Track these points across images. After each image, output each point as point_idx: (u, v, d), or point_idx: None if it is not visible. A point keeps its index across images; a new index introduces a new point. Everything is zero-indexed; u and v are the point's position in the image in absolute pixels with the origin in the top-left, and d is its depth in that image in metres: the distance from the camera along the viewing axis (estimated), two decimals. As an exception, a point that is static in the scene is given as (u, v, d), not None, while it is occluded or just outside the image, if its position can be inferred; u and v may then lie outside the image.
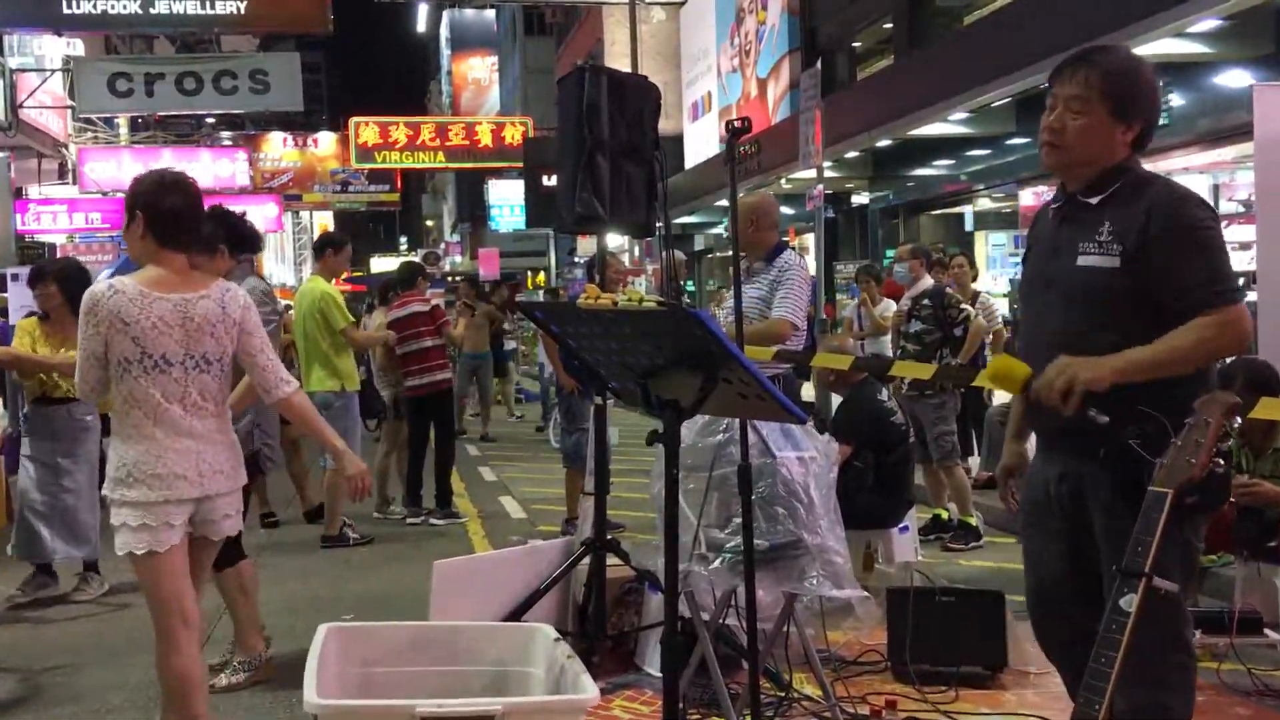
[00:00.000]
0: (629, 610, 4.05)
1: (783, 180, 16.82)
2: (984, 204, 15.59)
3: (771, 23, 19.14)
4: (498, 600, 3.68)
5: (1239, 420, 2.30)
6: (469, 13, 46.62)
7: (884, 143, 14.70)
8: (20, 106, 19.88)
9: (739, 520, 2.87)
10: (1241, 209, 12.48)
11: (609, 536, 3.93)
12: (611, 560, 3.92)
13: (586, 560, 3.88)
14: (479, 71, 49.00)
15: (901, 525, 5.05)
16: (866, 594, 3.21)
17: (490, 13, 45.40)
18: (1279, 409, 3.35)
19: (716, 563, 3.00)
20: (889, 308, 9.35)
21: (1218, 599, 4.76)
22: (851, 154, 15.33)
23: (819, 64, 11.19)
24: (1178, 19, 8.85)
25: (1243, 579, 4.17)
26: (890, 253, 16.84)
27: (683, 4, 23.36)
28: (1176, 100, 10.68)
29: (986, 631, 3.95)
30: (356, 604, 5.45)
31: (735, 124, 2.66)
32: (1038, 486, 2.62)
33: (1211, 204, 2.48)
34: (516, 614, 3.69)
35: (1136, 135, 2.50)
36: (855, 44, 18.45)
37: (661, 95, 3.98)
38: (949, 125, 13.06)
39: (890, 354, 8.54)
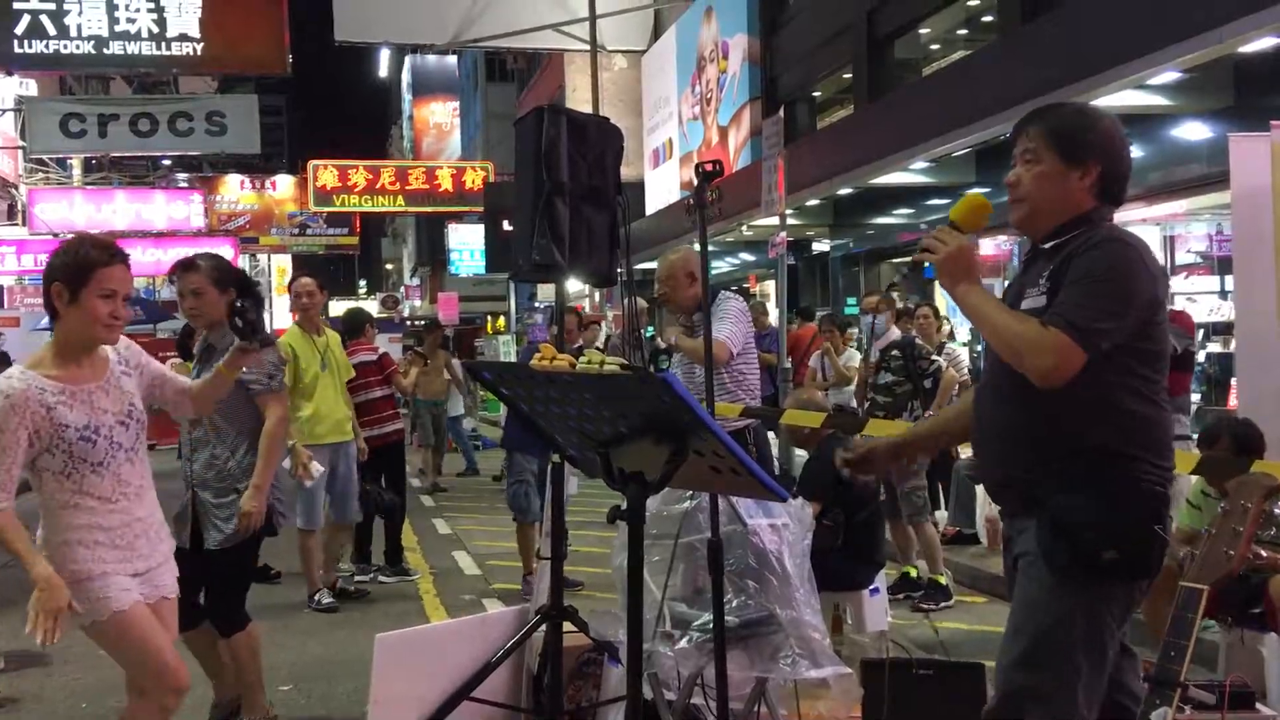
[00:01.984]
0: (587, 683, 3.79)
1: (743, 227, 16.77)
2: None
3: (733, 71, 19.20)
4: (446, 674, 3.41)
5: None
6: (431, 58, 46.65)
7: (845, 191, 14.70)
8: (-32, 146, 19.52)
9: (708, 594, 2.65)
10: (1198, 259, 12.57)
11: (565, 603, 3.67)
12: (569, 628, 3.67)
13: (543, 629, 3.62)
14: (440, 116, 48.99)
15: (872, 587, 4.84)
16: (848, 670, 3.00)
17: (452, 58, 45.46)
18: (1271, 471, 3.21)
19: (683, 641, 2.78)
20: (853, 357, 9.21)
21: (1197, 666, 4.59)
22: (812, 201, 15.31)
23: (781, 111, 11.14)
24: (1137, 71, 8.87)
25: (1226, 646, 4.00)
26: (852, 301, 16.83)
27: (644, 52, 23.44)
28: (1136, 152, 10.72)
29: (967, 705, 3.74)
30: (294, 673, 5.13)
31: (705, 167, 2.48)
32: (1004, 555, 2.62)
33: (1148, 259, 2.42)
34: (466, 690, 3.43)
35: (1097, 181, 2.45)
36: (815, 93, 18.54)
37: (624, 138, 3.80)
38: (909, 174, 13.07)
39: (854, 404, 8.39)
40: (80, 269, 2.95)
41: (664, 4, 22.31)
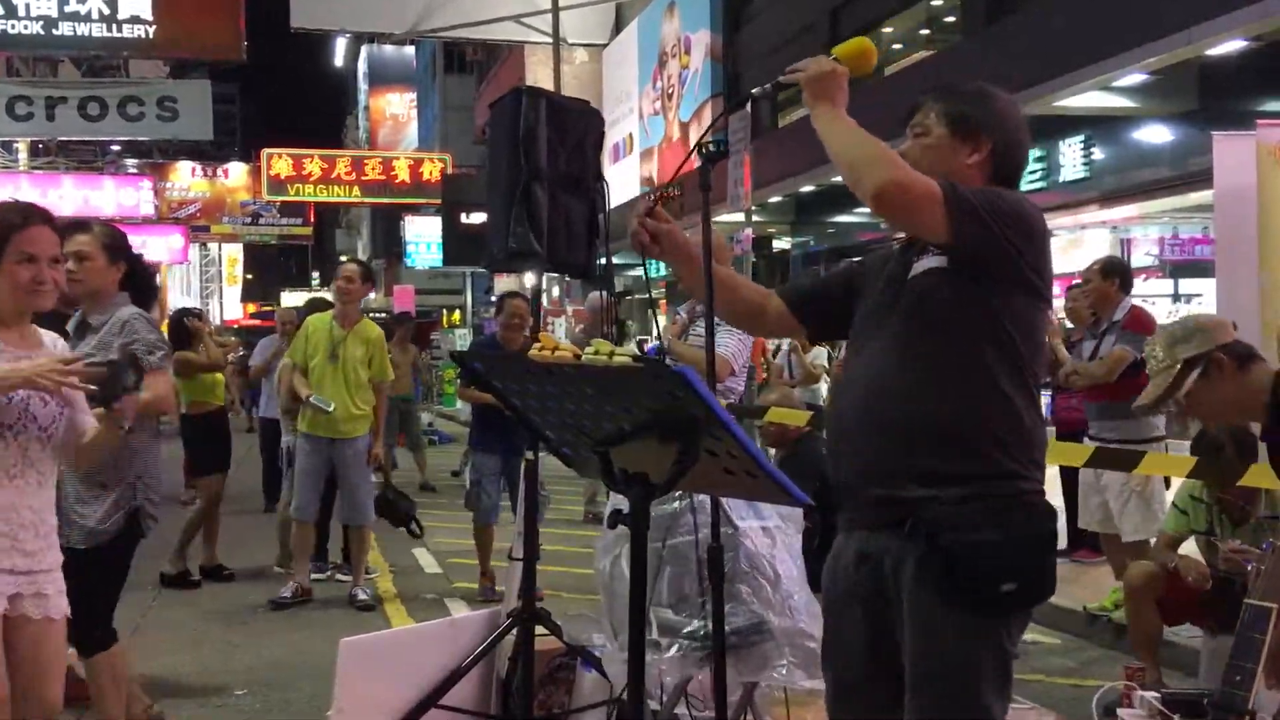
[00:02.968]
0: (559, 689, 3.66)
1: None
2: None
3: (695, 67, 19.10)
4: (413, 681, 3.26)
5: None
6: (388, 48, 46.02)
7: (807, 188, 14.66)
8: (-92, 127, 18.94)
9: (695, 600, 2.53)
10: (1155, 262, 12.68)
11: (537, 603, 3.54)
12: (541, 631, 3.54)
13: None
14: (397, 107, 48.44)
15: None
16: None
17: (410, 49, 44.95)
18: (1270, 477, 3.15)
19: (671, 650, 2.65)
20: (820, 355, 9.15)
21: (1175, 670, 4.55)
22: (774, 199, 15.27)
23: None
24: (1104, 72, 8.89)
25: (1209, 653, 3.96)
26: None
27: (605, 45, 23.28)
28: (1099, 154, 10.79)
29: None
30: (250, 678, 4.94)
31: (709, 147, 2.34)
32: (837, 570, 2.32)
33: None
34: (434, 696, 3.29)
35: (988, 159, 2.29)
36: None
37: (604, 123, 3.67)
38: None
39: (822, 401, 8.32)
40: (7, 229, 2.71)
41: (627, -2, 22.18)
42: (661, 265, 10.80)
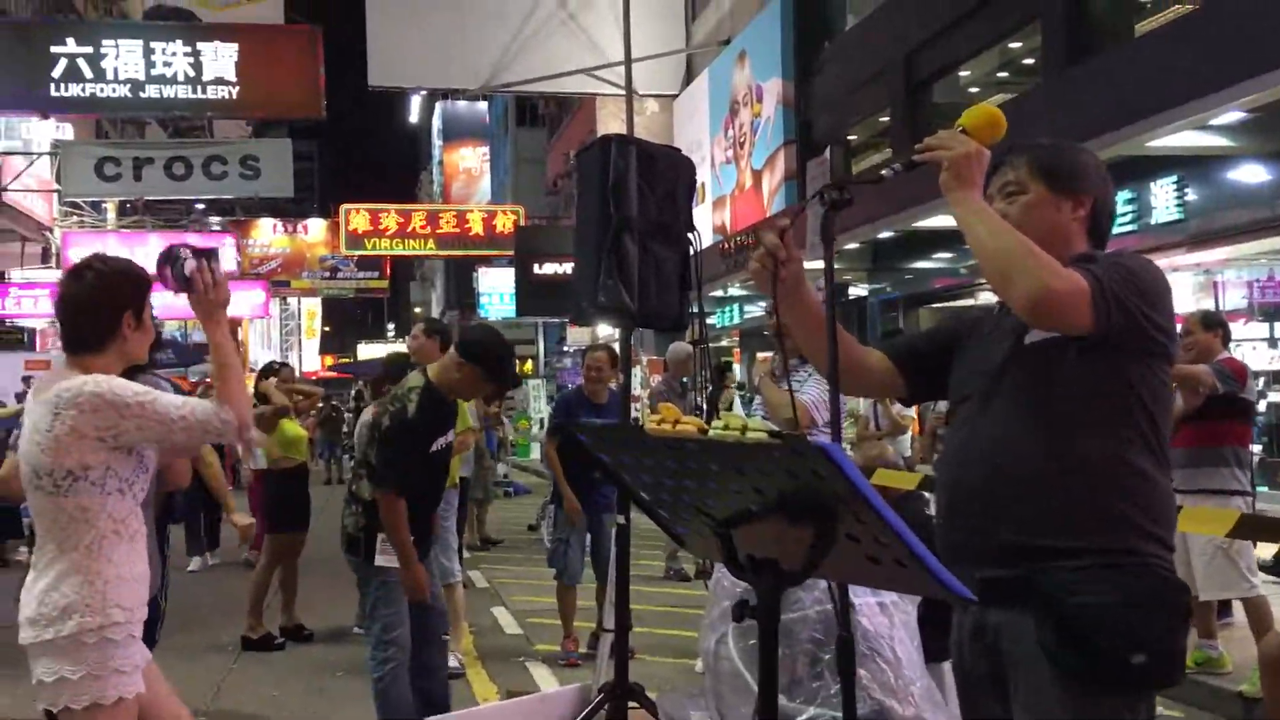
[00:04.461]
0: (653, 767, 3.46)
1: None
2: (986, 298, 15.28)
3: (766, 115, 19.04)
4: (501, 759, 3.09)
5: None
6: (461, 104, 47.00)
7: (884, 235, 14.43)
8: (4, 190, 19.56)
9: (814, 684, 2.33)
10: (1248, 307, 12.18)
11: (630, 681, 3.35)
12: (634, 705, 3.35)
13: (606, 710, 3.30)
14: (470, 161, 49.24)
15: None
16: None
17: (482, 104, 45.78)
18: None
19: (784, 738, 2.45)
20: (904, 406, 8.87)
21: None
22: (850, 245, 15.04)
23: (828, 153, 10.90)
24: (1200, 111, 8.58)
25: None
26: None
27: (676, 96, 23.36)
28: (1191, 195, 10.43)
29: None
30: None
31: (833, 195, 2.18)
32: (960, 648, 2.18)
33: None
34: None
35: (1089, 216, 2.20)
36: (851, 137, 18.33)
37: (695, 169, 3.53)
38: (952, 218, 12.76)
39: (908, 453, 8.04)
40: (143, 292, 2.75)
41: (698, 49, 22.26)
42: (735, 313, 10.64)
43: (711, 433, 1.52)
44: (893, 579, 1.67)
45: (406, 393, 4.09)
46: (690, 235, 3.41)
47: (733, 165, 20.58)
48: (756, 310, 21.35)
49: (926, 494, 4.65)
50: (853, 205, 2.21)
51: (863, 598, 2.52)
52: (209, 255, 2.77)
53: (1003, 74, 15.31)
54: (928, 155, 2.16)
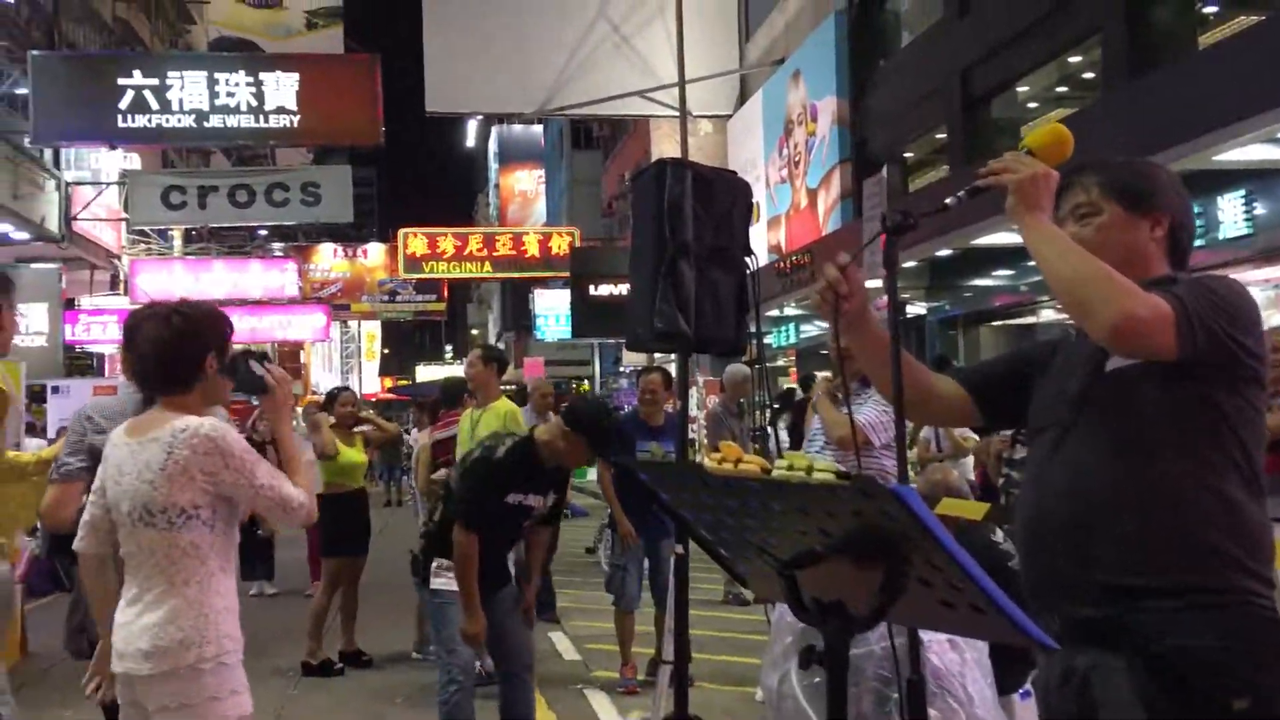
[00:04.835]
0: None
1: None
2: (1048, 315, 15.04)
3: (821, 134, 18.96)
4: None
5: None
6: (517, 127, 47.46)
7: (943, 252, 14.26)
8: (74, 219, 20.07)
9: (878, 721, 2.27)
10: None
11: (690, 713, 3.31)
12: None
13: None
14: (526, 184, 49.66)
15: (1023, 690, 4.37)
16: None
17: (538, 127, 46.17)
18: None
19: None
20: (965, 429, 8.73)
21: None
22: (909, 263, 14.89)
23: (884, 171, 10.81)
24: (1267, 124, 8.38)
25: None
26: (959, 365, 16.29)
27: (730, 116, 23.36)
28: (1261, 209, 10.19)
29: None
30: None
31: (896, 218, 2.14)
32: (1047, 692, 2.08)
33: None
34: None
35: (1168, 236, 2.10)
36: (907, 154, 18.19)
37: (751, 192, 3.51)
38: (1012, 234, 12.60)
39: (971, 477, 7.90)
40: (225, 336, 2.91)
41: (751, 69, 22.27)
42: (791, 333, 10.54)
43: (775, 472, 1.48)
44: (969, 625, 1.59)
45: (505, 438, 4.21)
46: (747, 259, 3.38)
47: (787, 184, 20.52)
48: (813, 330, 21.21)
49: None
50: (915, 229, 2.15)
51: (932, 633, 2.45)
52: (259, 357, 2.96)
53: (1062, 88, 15.10)
54: (991, 180, 2.09)
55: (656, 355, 19.88)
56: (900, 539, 1.43)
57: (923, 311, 17.63)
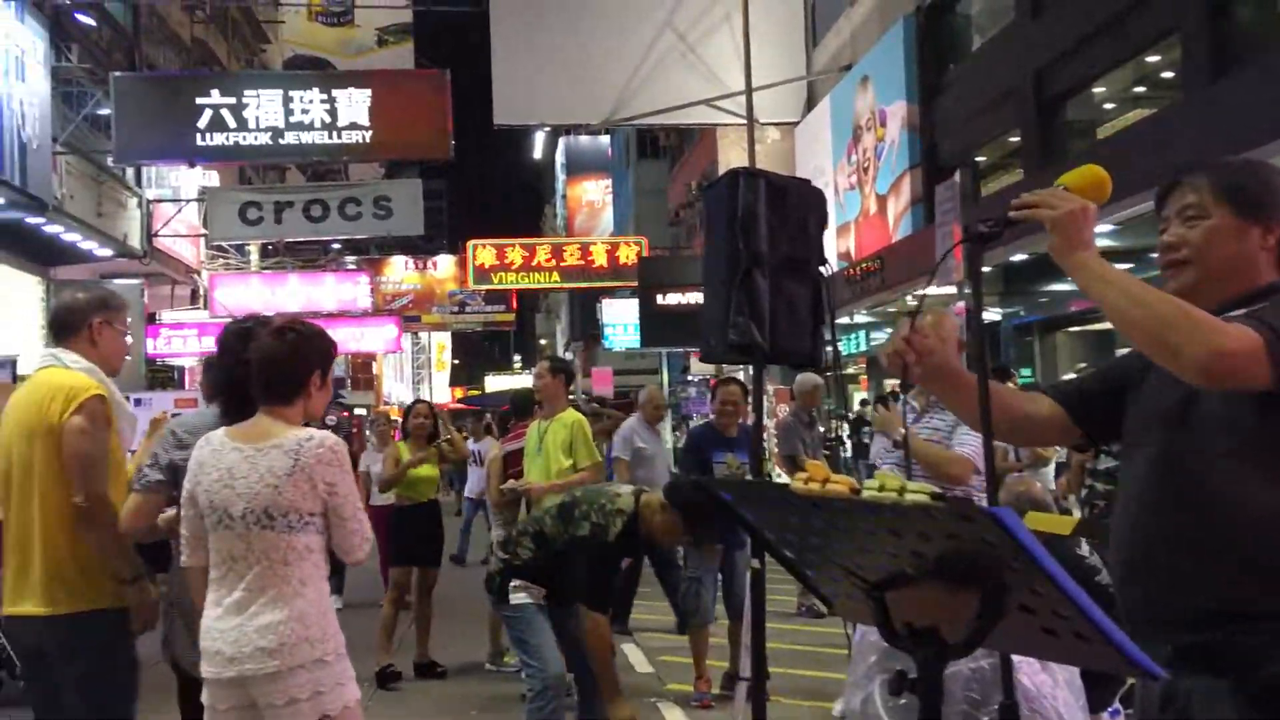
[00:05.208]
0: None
1: (908, 297, 16.21)
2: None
3: (891, 139, 18.76)
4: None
5: None
6: (584, 138, 47.71)
7: (1017, 257, 14.01)
8: (155, 235, 20.59)
9: (966, 741, 2.20)
10: None
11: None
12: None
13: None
14: (593, 194, 49.89)
15: (1111, 708, 4.25)
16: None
17: (605, 137, 46.38)
18: None
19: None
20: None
21: None
22: (982, 269, 14.65)
23: (957, 175, 10.65)
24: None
25: None
26: (1026, 372, 15.96)
27: (798, 123, 23.22)
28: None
29: None
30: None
31: (983, 227, 2.08)
32: (1141, 713, 2.01)
33: None
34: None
35: (1279, 244, 1.98)
36: (979, 158, 17.91)
37: (826, 201, 3.46)
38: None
39: (1053, 486, 7.73)
40: (329, 358, 3.10)
41: (819, 75, 22.12)
42: (861, 340, 10.38)
43: (865, 493, 1.44)
44: (1072, 653, 1.52)
45: (613, 514, 4.21)
46: (822, 268, 3.33)
47: (856, 191, 20.33)
48: (882, 337, 20.98)
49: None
50: (1000, 236, 2.07)
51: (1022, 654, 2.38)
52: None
53: (1139, 88, 14.77)
54: (1026, 214, 2.00)
55: (724, 366, 19.74)
56: (999, 564, 1.38)
57: (997, 318, 17.33)
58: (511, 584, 4.31)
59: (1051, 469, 7.68)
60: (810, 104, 22.88)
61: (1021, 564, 1.36)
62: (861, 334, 21.42)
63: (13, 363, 10.67)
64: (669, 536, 4.30)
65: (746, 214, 3.22)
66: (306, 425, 3.02)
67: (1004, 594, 1.41)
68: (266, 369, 2.95)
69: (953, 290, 9.48)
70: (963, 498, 1.39)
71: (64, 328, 3.45)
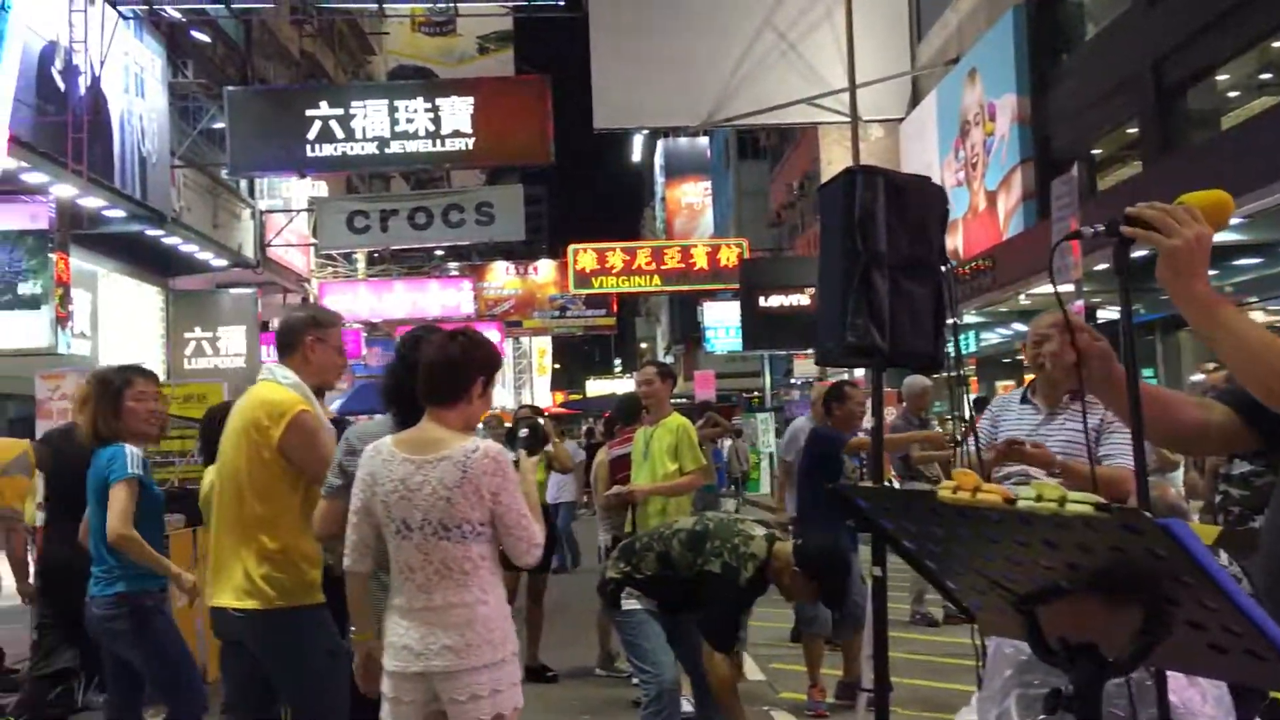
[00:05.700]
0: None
1: (1020, 296, 15.74)
2: (1258, 317, 14.02)
3: (1000, 133, 18.25)
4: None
5: None
6: (683, 140, 47.68)
7: (1138, 253, 13.48)
8: (268, 245, 21.18)
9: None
10: None
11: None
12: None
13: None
14: (692, 196, 49.82)
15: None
16: None
17: (704, 139, 46.28)
18: None
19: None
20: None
21: None
22: (1101, 266, 14.15)
23: (1075, 169, 10.27)
24: None
25: None
26: (1148, 372, 15.35)
27: (902, 120, 22.79)
28: None
29: None
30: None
31: (1121, 227, 1.93)
32: None
33: None
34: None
35: None
36: (1095, 151, 17.31)
37: (948, 199, 3.32)
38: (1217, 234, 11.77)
39: (1180, 490, 7.38)
40: (493, 368, 3.19)
41: (924, 70, 21.69)
42: (971, 340, 10.02)
43: (1021, 503, 1.33)
44: (1241, 670, 1.40)
45: (746, 557, 4.26)
46: (944, 267, 3.19)
47: (964, 188, 19.85)
48: (994, 338, 20.42)
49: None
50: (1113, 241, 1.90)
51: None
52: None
53: (1265, 75, 14.10)
54: (1141, 235, 1.86)
55: (811, 370, 19.44)
56: (1166, 577, 1.26)
57: (1115, 317, 16.73)
58: (625, 593, 4.33)
59: (1181, 473, 7.33)
60: (915, 100, 22.44)
61: (1194, 578, 1.24)
62: (971, 334, 20.91)
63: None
64: (799, 595, 4.41)
65: (865, 213, 3.10)
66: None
67: (1171, 609, 1.29)
68: (432, 371, 3.04)
69: (1070, 288, 9.13)
70: (1131, 508, 1.26)
71: (283, 346, 3.73)
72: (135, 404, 4.28)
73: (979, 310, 17.91)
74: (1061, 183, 9.40)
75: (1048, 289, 11.90)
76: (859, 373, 10.04)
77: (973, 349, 21.11)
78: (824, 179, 28.38)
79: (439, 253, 31.16)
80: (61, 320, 13.15)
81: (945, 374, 3.63)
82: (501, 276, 33.84)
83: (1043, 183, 15.62)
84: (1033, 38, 17.35)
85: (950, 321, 3.20)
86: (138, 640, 4.14)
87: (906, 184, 3.26)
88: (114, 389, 4.29)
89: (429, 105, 19.24)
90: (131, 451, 4.20)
